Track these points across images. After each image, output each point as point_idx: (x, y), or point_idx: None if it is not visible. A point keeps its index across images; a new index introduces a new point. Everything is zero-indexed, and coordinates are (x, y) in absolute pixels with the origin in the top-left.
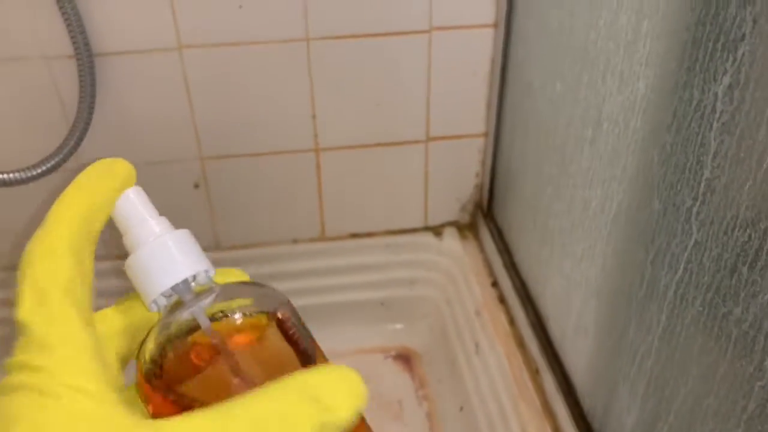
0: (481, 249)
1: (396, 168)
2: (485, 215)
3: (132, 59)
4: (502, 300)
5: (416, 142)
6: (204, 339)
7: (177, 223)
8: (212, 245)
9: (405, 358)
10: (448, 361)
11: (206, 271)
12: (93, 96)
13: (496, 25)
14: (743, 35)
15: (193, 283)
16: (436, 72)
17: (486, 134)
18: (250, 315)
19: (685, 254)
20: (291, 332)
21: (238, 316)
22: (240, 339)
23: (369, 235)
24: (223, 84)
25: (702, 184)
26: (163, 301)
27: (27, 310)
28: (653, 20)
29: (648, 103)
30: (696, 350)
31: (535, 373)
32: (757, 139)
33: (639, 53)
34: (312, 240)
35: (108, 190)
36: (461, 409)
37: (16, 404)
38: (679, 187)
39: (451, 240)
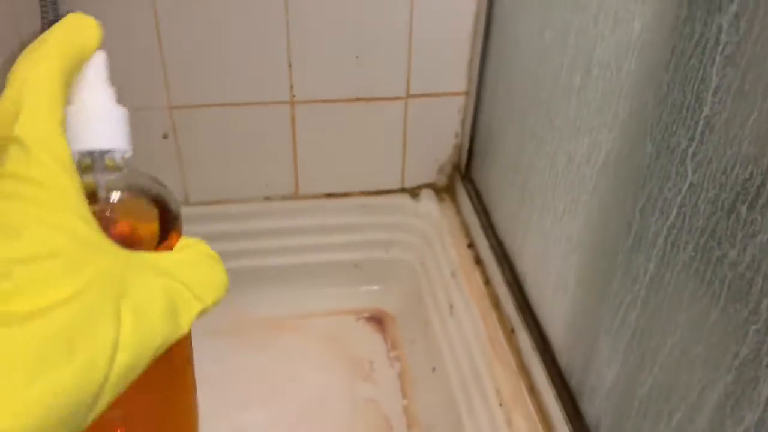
0: (458, 211)
1: (374, 125)
2: (463, 177)
3: None
4: (478, 261)
5: (396, 98)
6: (96, 208)
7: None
8: (181, 200)
9: (378, 320)
10: (422, 323)
11: (124, 152)
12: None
13: None
14: None
15: (108, 156)
16: (418, 25)
17: (467, 93)
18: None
19: (679, 198)
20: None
21: (126, 197)
22: (123, 221)
23: (344, 195)
24: (195, 25)
25: (700, 123)
26: (76, 157)
27: (23, 126)
28: None
29: (644, 43)
30: (686, 298)
31: (510, 333)
32: (765, 69)
33: None
34: (285, 198)
35: (85, 46)
36: (434, 369)
37: (13, 211)
38: (674, 128)
39: (428, 202)
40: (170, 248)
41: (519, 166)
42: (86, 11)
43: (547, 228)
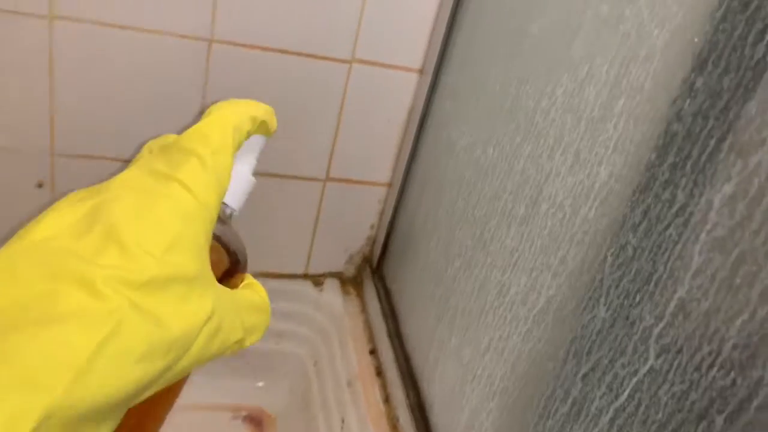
0: (363, 309)
1: (287, 203)
2: (373, 272)
3: None
4: (379, 372)
5: (313, 179)
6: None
7: (7, 223)
8: None
9: (257, 421)
10: None
11: (235, 211)
12: None
13: (421, 72)
14: (764, 140)
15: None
16: (349, 108)
17: (390, 185)
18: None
19: (634, 380)
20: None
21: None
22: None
23: None
24: (95, 70)
25: (672, 304)
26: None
27: (211, 150)
28: (633, 100)
29: (609, 193)
30: None
31: None
32: (764, 269)
33: (606, 135)
34: None
35: (271, 127)
36: None
37: (166, 211)
38: (637, 299)
39: (331, 293)
40: (235, 286)
41: (441, 279)
42: None
43: (465, 359)
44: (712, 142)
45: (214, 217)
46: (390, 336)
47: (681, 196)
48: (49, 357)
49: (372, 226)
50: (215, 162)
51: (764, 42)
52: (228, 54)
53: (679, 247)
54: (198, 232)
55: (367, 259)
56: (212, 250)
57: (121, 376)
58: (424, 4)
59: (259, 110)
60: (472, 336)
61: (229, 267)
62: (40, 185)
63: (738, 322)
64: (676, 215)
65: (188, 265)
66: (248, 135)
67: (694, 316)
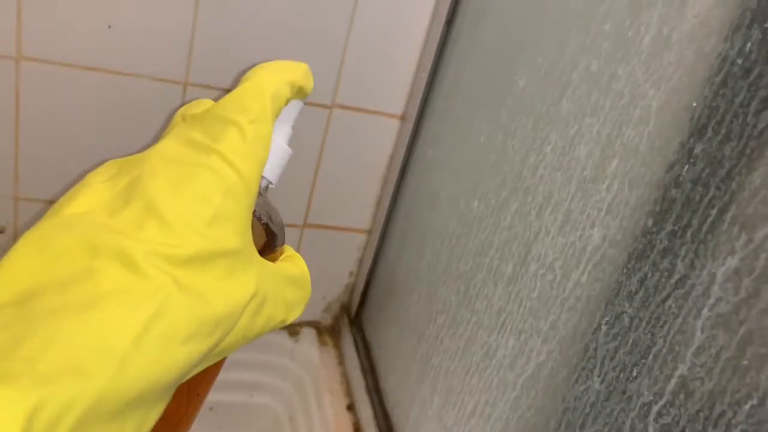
0: (341, 361)
1: None
2: (352, 322)
3: None
4: (357, 429)
5: (291, 225)
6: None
7: None
8: None
9: None
10: None
11: (272, 184)
12: None
13: (403, 118)
14: None
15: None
16: (328, 153)
17: (370, 232)
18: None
19: None
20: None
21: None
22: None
23: None
24: (63, 111)
25: (673, 381)
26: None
27: (251, 118)
28: (627, 162)
29: (603, 258)
30: None
31: None
32: None
33: (599, 196)
34: None
35: (307, 89)
36: None
37: (208, 183)
38: (634, 374)
39: (307, 344)
40: (274, 260)
41: (423, 335)
42: None
43: (449, 423)
44: (714, 212)
45: (256, 191)
46: (369, 391)
47: (681, 267)
48: (94, 341)
49: (351, 274)
50: (255, 132)
51: None
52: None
53: (679, 320)
54: (241, 207)
55: (345, 308)
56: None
57: (167, 357)
58: (406, 50)
59: (298, 73)
60: (456, 399)
61: (266, 241)
62: (1, 231)
63: (746, 407)
64: (676, 286)
65: (231, 239)
66: (287, 101)
67: (697, 396)
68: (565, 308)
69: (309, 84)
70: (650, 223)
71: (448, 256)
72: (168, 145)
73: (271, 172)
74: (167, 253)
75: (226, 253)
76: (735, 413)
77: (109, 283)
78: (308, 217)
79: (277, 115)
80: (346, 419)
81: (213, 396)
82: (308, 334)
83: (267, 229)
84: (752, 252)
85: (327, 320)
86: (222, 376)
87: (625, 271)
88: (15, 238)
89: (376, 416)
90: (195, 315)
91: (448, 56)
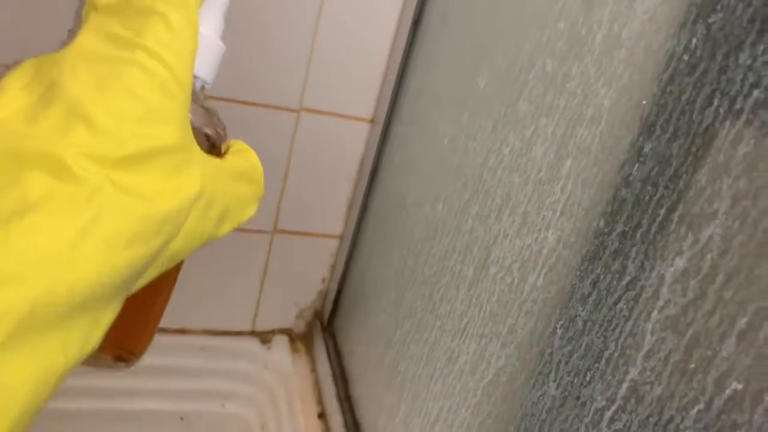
0: (313, 368)
1: (233, 256)
2: (324, 329)
3: None
4: None
5: (261, 231)
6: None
7: None
8: None
9: None
10: None
11: (207, 83)
12: None
13: (372, 121)
14: (715, 213)
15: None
16: (297, 157)
17: (342, 237)
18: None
19: None
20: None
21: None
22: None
23: (181, 331)
24: None
25: (624, 386)
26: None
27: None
28: (580, 162)
29: (557, 260)
30: None
31: None
32: (719, 354)
33: (553, 197)
34: None
35: None
36: None
37: (138, 81)
38: (588, 379)
39: (280, 351)
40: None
41: (391, 342)
42: None
43: (415, 428)
44: (662, 212)
45: (189, 85)
46: (339, 399)
47: (631, 268)
48: (26, 250)
49: (323, 280)
50: (181, 21)
51: (713, 107)
52: None
53: (630, 323)
54: (176, 102)
55: (318, 315)
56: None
57: (110, 262)
58: (375, 52)
59: None
60: (421, 405)
61: (209, 148)
62: None
63: (693, 411)
64: (627, 288)
65: (168, 136)
66: None
67: (647, 401)
68: (523, 312)
69: None
70: (602, 224)
71: (414, 261)
72: (86, 40)
73: (204, 69)
74: (99, 154)
75: (164, 150)
76: (683, 418)
77: (38, 191)
78: (278, 223)
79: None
80: (317, 427)
81: (184, 406)
82: (281, 342)
83: (209, 139)
84: (698, 252)
85: (300, 327)
86: (193, 385)
87: (578, 273)
88: None
89: (346, 425)
90: (136, 215)
91: (415, 58)
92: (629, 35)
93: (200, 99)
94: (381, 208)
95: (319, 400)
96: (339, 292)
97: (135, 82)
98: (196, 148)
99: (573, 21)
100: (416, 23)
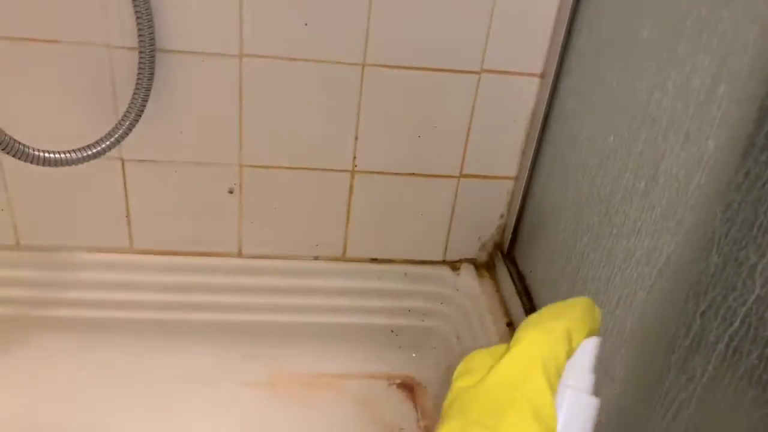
0: (498, 289)
1: (426, 199)
2: (505, 256)
3: (193, 59)
4: None
5: (449, 176)
6: None
7: (203, 225)
8: (234, 252)
9: (409, 388)
10: None
11: None
12: (149, 89)
13: (542, 76)
14: None
15: None
16: (478, 113)
17: (516, 178)
18: None
19: (744, 308)
20: None
21: None
22: None
23: (389, 261)
24: (276, 95)
25: None
26: None
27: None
28: (733, 85)
29: (716, 162)
30: (746, 403)
31: None
32: None
33: (711, 114)
34: (333, 259)
35: (592, 330)
36: None
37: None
38: (744, 243)
39: (468, 276)
40: None
41: (571, 255)
42: (182, 73)
43: None
44: None
45: None
46: (524, 307)
47: None
48: None
49: (501, 215)
50: (532, 405)
51: None
52: (379, 75)
53: None
54: None
55: (498, 246)
56: None
57: None
58: (543, 15)
59: (574, 318)
60: (602, 297)
61: None
62: (231, 191)
63: None
64: None
65: None
66: (568, 355)
67: None
68: (689, 207)
69: (595, 321)
70: (751, 128)
71: (590, 185)
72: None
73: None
74: None
75: None
76: None
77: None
78: (463, 168)
79: (557, 376)
80: (506, 333)
81: (393, 321)
82: (468, 269)
83: None
84: None
85: (482, 257)
86: (400, 304)
87: (734, 168)
88: (240, 199)
89: None
90: None
91: (581, 18)
92: None
93: None
94: (554, 148)
95: (506, 312)
96: (516, 225)
97: None
98: None
99: None
100: None
